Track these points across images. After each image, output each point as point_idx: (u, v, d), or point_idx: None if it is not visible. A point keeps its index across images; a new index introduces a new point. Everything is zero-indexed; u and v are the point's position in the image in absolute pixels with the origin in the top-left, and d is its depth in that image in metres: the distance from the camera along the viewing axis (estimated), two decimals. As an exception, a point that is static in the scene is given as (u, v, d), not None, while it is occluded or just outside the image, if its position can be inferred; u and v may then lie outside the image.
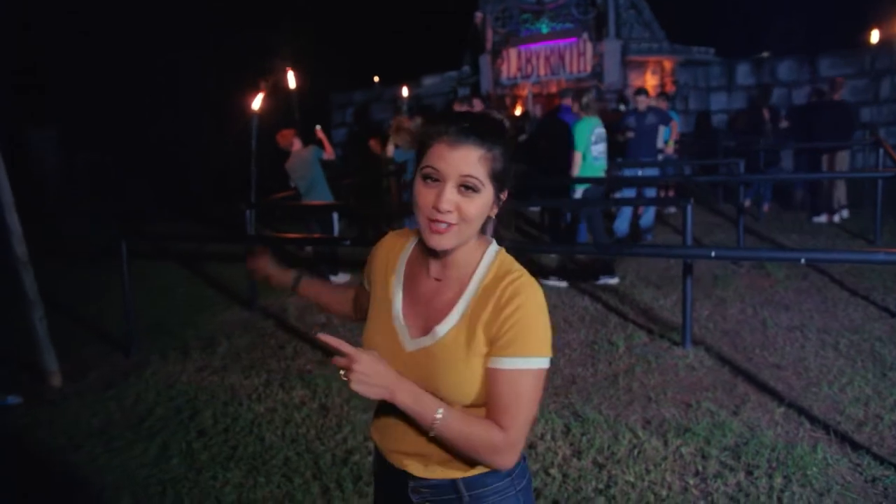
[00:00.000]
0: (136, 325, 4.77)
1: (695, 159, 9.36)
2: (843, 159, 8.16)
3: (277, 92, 8.50)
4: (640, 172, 7.72)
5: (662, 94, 9.67)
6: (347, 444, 3.25)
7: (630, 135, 7.69)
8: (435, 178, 1.20)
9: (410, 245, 1.40)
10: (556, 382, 3.84)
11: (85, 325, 5.40)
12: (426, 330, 1.28)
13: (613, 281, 5.80)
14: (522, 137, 8.62)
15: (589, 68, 12.22)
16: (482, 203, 1.22)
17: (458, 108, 6.09)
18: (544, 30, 12.49)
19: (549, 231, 7.43)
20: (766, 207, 8.61)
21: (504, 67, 12.89)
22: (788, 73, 11.89)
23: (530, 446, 3.10)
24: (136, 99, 15.20)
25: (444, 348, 1.25)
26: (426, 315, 1.30)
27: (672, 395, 3.62)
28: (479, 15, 13.07)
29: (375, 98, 14.57)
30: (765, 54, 12.51)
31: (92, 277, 6.92)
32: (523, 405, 1.21)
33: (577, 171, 5.95)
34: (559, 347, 4.33)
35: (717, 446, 3.04)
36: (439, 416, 1.19)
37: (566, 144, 6.18)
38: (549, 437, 3.20)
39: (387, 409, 1.29)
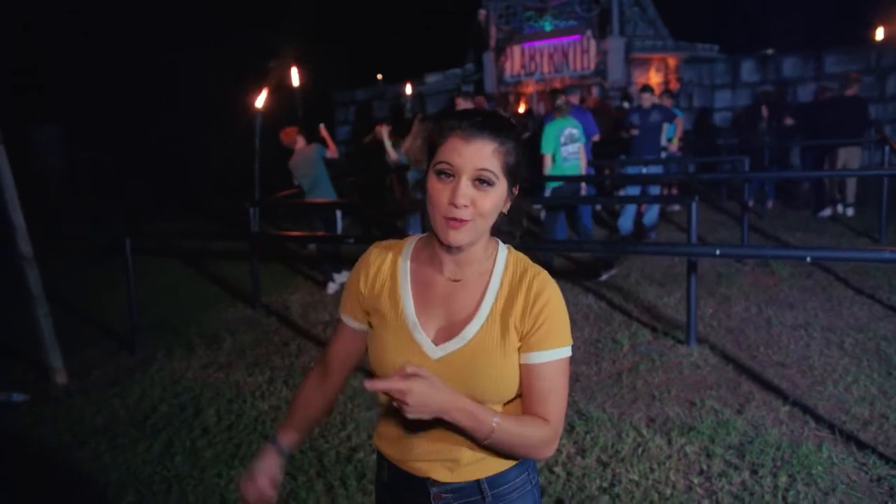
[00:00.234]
0: (141, 323, 4.78)
1: (695, 157, 9.34)
2: (854, 155, 8.13)
3: (281, 90, 8.50)
4: (644, 170, 7.70)
5: (667, 91, 9.64)
6: (351, 442, 3.25)
7: (634, 132, 7.68)
8: (449, 174, 1.19)
9: (407, 252, 1.35)
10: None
11: (89, 323, 5.41)
12: (450, 333, 1.26)
13: (614, 272, 5.91)
14: (526, 135, 8.62)
15: (593, 66, 12.20)
16: (497, 197, 1.21)
17: (462, 103, 6.08)
18: (548, 27, 12.46)
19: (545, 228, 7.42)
20: (770, 205, 8.58)
21: (507, 65, 12.87)
22: (793, 70, 11.85)
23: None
24: (138, 98, 15.24)
25: (478, 348, 1.24)
26: (447, 318, 1.28)
27: (676, 394, 3.61)
28: (482, 12, 13.05)
29: (379, 96, 14.57)
30: (769, 51, 12.45)
31: (96, 275, 6.94)
32: (560, 394, 1.26)
33: (547, 171, 6.15)
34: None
35: (721, 445, 3.03)
36: (496, 424, 1.19)
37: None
38: (553, 435, 3.20)
39: (400, 420, 1.26)
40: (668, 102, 8.50)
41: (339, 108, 15.11)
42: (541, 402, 1.25)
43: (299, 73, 8.32)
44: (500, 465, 1.30)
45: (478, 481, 1.29)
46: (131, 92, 15.12)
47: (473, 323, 1.25)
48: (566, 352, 1.27)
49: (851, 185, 8.12)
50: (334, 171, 6.87)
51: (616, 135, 8.62)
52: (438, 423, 1.22)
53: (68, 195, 12.91)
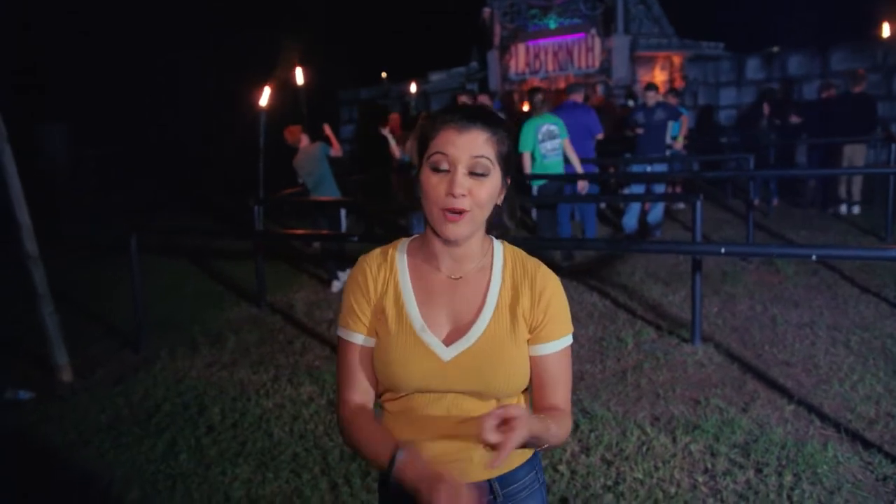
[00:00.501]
0: (145, 321, 4.79)
1: (699, 155, 9.30)
2: (860, 153, 8.09)
3: (285, 88, 8.51)
4: (648, 168, 7.68)
5: (672, 90, 9.61)
6: (355, 440, 3.24)
7: (639, 131, 7.66)
8: (444, 167, 1.20)
9: (401, 254, 1.33)
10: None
11: (94, 321, 5.42)
12: (459, 332, 1.26)
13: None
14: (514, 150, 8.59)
15: (597, 64, 12.17)
16: (492, 186, 1.23)
17: (464, 100, 6.15)
18: (552, 25, 12.44)
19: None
20: (775, 203, 8.55)
21: (512, 63, 12.85)
22: (799, 68, 11.78)
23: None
24: (139, 97, 15.27)
25: (489, 343, 1.24)
26: (453, 317, 1.27)
27: (681, 392, 3.60)
28: (486, 10, 13.03)
29: (383, 94, 14.56)
30: (775, 49, 12.40)
31: (101, 273, 6.96)
32: (568, 380, 1.33)
33: (527, 170, 6.19)
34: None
35: (726, 443, 3.02)
36: (551, 434, 1.22)
37: (582, 137, 6.58)
38: (557, 433, 3.19)
39: (410, 424, 1.26)
40: (673, 101, 8.48)
41: (344, 106, 15.12)
42: (553, 391, 1.29)
43: (304, 71, 8.32)
44: (509, 465, 1.30)
45: (489, 481, 1.29)
46: (132, 91, 15.16)
47: (481, 319, 1.26)
48: (570, 339, 1.32)
49: (857, 183, 8.08)
50: (338, 169, 6.88)
51: (620, 133, 8.60)
52: (449, 425, 1.22)
53: (73, 194, 12.94)
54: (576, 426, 3.26)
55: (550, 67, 12.56)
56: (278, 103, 7.69)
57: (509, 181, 1.28)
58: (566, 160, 6.41)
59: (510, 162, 1.27)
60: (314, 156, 6.42)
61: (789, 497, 2.63)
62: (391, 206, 8.36)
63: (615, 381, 3.79)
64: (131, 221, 8.28)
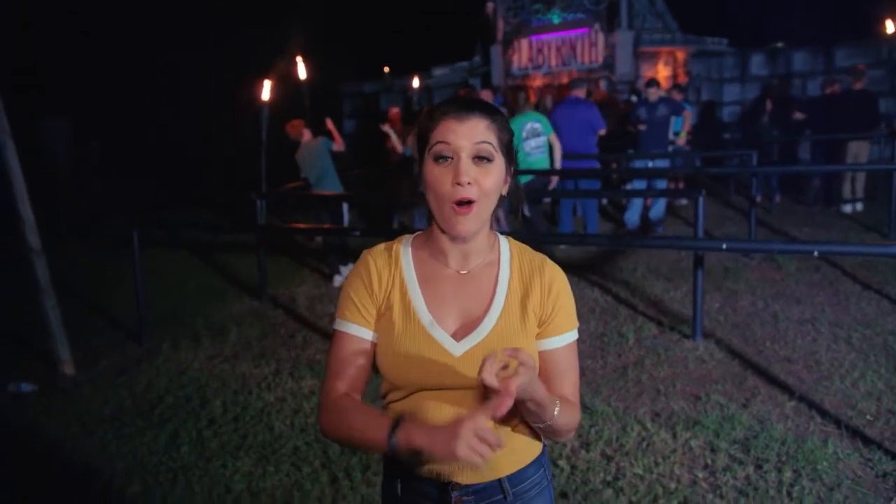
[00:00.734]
0: (148, 314, 4.80)
1: (702, 151, 9.29)
2: (863, 150, 8.06)
3: (287, 82, 8.50)
4: (650, 164, 7.67)
5: (676, 86, 9.58)
6: (356, 434, 3.25)
7: (642, 127, 7.64)
8: (447, 156, 1.18)
9: (406, 250, 1.31)
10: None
11: (97, 314, 5.44)
12: (469, 327, 1.24)
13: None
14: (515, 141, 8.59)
15: (601, 59, 12.14)
16: (497, 174, 1.21)
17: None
18: (556, 20, 12.40)
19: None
20: (777, 199, 8.54)
21: (515, 58, 12.82)
22: (803, 64, 11.75)
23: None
24: (140, 97, 15.27)
25: (499, 337, 1.23)
26: (462, 312, 1.25)
27: (681, 388, 3.61)
28: (490, 5, 13.00)
29: (385, 89, 14.55)
30: (779, 45, 12.36)
31: (103, 267, 6.98)
32: (576, 373, 1.32)
33: None
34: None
35: (726, 439, 3.03)
36: (557, 411, 1.19)
37: (584, 133, 6.64)
38: (557, 428, 3.20)
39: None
40: (678, 97, 8.45)
41: (346, 100, 15.10)
42: (561, 384, 1.28)
43: (306, 65, 8.31)
44: (519, 462, 1.29)
45: (499, 480, 1.26)
46: (132, 91, 15.18)
47: (491, 313, 1.24)
48: (576, 333, 1.32)
49: (861, 180, 8.07)
50: (340, 163, 6.88)
51: (623, 129, 8.58)
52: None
53: (75, 189, 12.96)
54: (576, 421, 3.26)
55: (553, 62, 12.53)
56: (280, 98, 7.68)
57: (513, 170, 1.27)
58: (568, 156, 6.44)
59: (512, 150, 1.25)
60: (316, 150, 6.42)
61: (789, 493, 2.64)
62: (393, 200, 8.36)
63: (616, 376, 3.80)
64: (133, 216, 8.30)
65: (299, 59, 8.23)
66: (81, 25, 15.10)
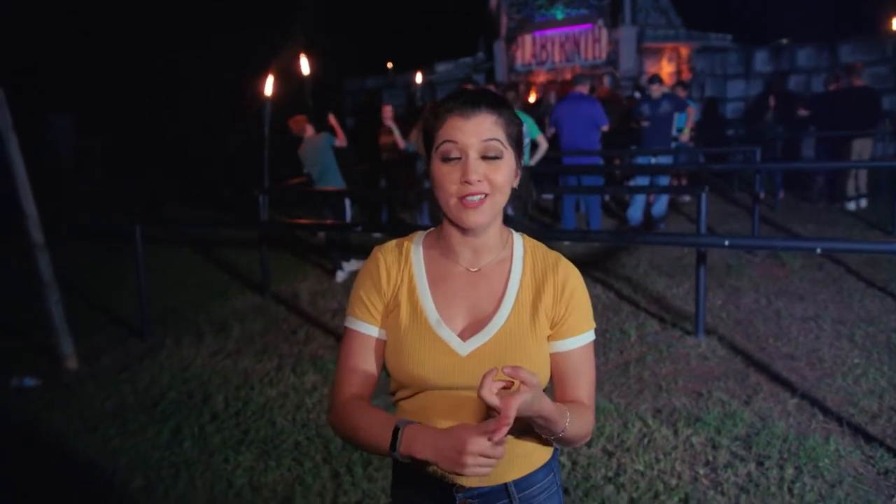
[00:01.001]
0: (150, 310, 4.81)
1: (704, 147, 9.27)
2: (865, 147, 8.04)
3: (290, 78, 8.50)
4: (652, 160, 7.65)
5: (680, 83, 9.55)
6: (358, 430, 3.26)
7: (645, 123, 7.62)
8: (455, 155, 1.15)
9: (417, 247, 1.29)
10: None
11: (100, 310, 5.45)
12: (477, 327, 1.21)
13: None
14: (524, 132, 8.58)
15: (604, 55, 12.11)
16: (507, 169, 1.18)
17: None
18: (559, 16, 12.37)
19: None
20: (781, 196, 8.52)
21: (519, 54, 12.80)
22: (807, 60, 11.71)
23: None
24: (140, 96, 15.28)
25: (507, 337, 1.20)
26: (471, 311, 1.23)
27: (683, 385, 3.60)
28: (493, 0, 12.97)
29: (388, 84, 14.53)
30: (783, 41, 12.31)
31: (106, 262, 6.99)
32: (592, 375, 1.28)
33: None
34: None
35: (728, 436, 3.03)
36: (568, 423, 1.14)
37: (587, 129, 6.64)
38: (558, 424, 3.20)
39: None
40: (682, 93, 8.43)
41: (349, 96, 15.10)
42: (576, 386, 1.25)
43: (308, 61, 8.30)
44: (528, 467, 1.26)
45: (505, 485, 1.24)
46: (134, 90, 15.20)
47: (500, 313, 1.21)
48: (592, 334, 1.27)
49: (863, 177, 8.04)
50: (343, 159, 6.88)
51: (626, 125, 8.56)
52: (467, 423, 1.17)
53: (78, 184, 13.00)
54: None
55: (557, 58, 12.50)
56: (283, 93, 7.68)
57: (521, 164, 1.24)
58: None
59: (520, 144, 1.22)
60: (319, 146, 6.42)
61: (790, 490, 2.64)
62: (397, 198, 8.36)
63: (618, 372, 3.80)
64: (136, 212, 8.31)
65: (302, 55, 8.22)
66: (81, 25, 15.11)
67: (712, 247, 5.08)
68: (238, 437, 3.27)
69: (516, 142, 1.20)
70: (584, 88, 7.28)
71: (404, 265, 1.27)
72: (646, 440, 3.04)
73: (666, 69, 11.94)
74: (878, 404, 3.28)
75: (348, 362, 1.26)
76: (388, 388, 1.31)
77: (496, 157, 1.16)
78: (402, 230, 1.33)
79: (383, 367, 1.28)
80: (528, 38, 12.64)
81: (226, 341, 4.62)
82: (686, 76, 11.80)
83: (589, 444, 3.02)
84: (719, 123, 10.93)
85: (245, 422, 3.43)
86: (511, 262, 1.26)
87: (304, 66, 8.27)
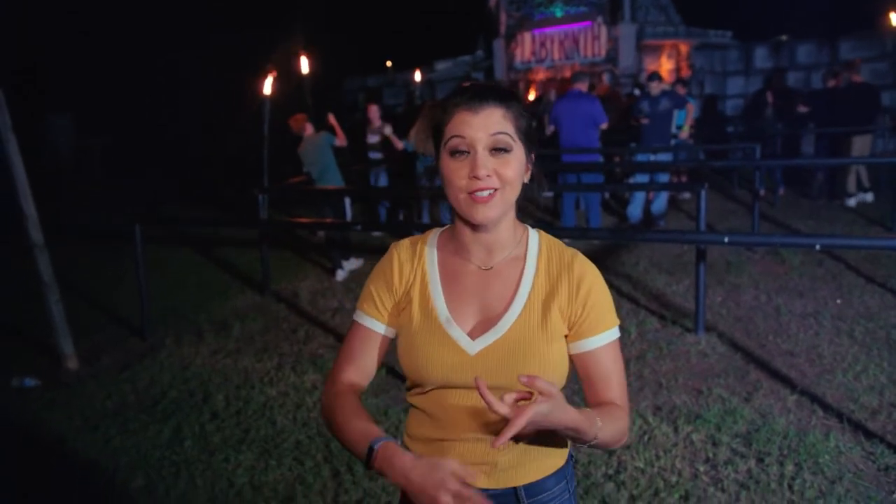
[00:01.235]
0: (150, 309, 4.81)
1: (703, 144, 9.26)
2: (865, 143, 8.04)
3: (289, 77, 8.50)
4: (652, 157, 7.65)
5: (680, 80, 9.54)
6: (358, 428, 3.26)
7: (644, 121, 7.62)
8: (463, 150, 1.14)
9: (431, 245, 1.28)
10: (566, 368, 3.84)
11: (100, 309, 5.46)
12: (486, 324, 1.19)
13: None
14: (533, 124, 8.56)
15: (604, 52, 12.11)
16: (518, 163, 1.16)
17: None
18: (558, 13, 12.37)
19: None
20: (781, 192, 8.51)
21: (518, 52, 12.80)
22: (807, 57, 11.70)
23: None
24: (144, 93, 15.29)
25: (517, 337, 1.18)
26: (482, 310, 1.21)
27: (683, 382, 3.61)
28: (492, -2, 12.98)
29: (388, 83, 14.54)
30: (783, 37, 12.30)
31: (106, 262, 6.99)
32: (621, 374, 1.24)
33: None
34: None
35: (728, 433, 3.03)
36: (599, 430, 1.11)
37: (586, 126, 6.62)
38: (559, 422, 3.20)
39: (436, 421, 1.21)
40: (682, 90, 8.42)
41: (349, 95, 15.10)
42: (605, 387, 1.21)
43: (308, 60, 8.30)
44: (538, 473, 1.23)
45: (515, 489, 1.22)
46: (134, 90, 15.21)
47: (511, 311, 1.19)
48: (617, 332, 1.24)
49: (863, 173, 8.04)
50: (342, 158, 6.88)
51: (626, 122, 8.56)
52: (476, 425, 1.16)
53: (77, 184, 13.01)
54: (578, 415, 3.26)
55: (556, 56, 12.50)
56: (283, 92, 7.68)
57: (534, 157, 1.22)
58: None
59: (532, 137, 1.19)
60: (318, 145, 6.42)
61: (790, 486, 2.64)
62: (397, 196, 8.36)
63: (618, 370, 3.79)
64: (136, 212, 8.32)
65: (302, 55, 8.22)
66: (81, 25, 15.12)
67: (712, 244, 5.08)
68: (239, 436, 3.27)
69: (526, 135, 1.18)
70: (583, 86, 7.28)
71: (417, 263, 1.26)
72: (646, 437, 3.04)
73: (665, 66, 11.93)
74: (878, 400, 3.28)
75: (350, 351, 1.27)
76: (388, 387, 1.30)
77: (505, 151, 1.14)
78: (401, 230, 1.33)
79: (383, 365, 1.28)
80: (527, 36, 12.64)
81: (226, 340, 4.62)
82: (685, 73, 11.79)
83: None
84: (719, 120, 10.92)
85: (245, 421, 3.43)
86: (525, 259, 1.24)
87: (304, 65, 8.27)
